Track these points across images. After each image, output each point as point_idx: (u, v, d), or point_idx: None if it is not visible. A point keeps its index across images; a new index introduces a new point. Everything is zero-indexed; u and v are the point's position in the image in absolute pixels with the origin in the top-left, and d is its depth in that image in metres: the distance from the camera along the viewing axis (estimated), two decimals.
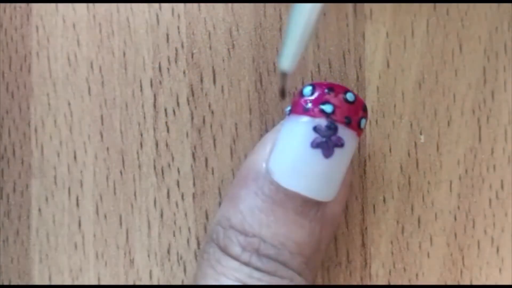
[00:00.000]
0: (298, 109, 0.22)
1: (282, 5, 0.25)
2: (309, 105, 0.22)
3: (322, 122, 0.22)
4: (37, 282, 0.26)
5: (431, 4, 0.25)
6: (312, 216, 0.22)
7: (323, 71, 0.25)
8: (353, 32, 0.25)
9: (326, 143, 0.22)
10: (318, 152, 0.22)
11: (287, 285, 0.22)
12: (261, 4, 0.25)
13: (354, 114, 0.22)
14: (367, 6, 0.25)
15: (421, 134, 0.25)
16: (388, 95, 0.25)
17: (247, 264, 0.22)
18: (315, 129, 0.22)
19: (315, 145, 0.22)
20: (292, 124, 0.22)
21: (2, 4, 0.26)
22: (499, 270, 0.25)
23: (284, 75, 0.19)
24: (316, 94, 0.22)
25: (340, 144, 0.22)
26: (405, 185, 0.25)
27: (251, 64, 0.26)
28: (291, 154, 0.22)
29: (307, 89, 0.22)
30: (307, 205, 0.22)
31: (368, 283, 0.25)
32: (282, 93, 0.20)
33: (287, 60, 0.19)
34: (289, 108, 0.23)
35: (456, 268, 0.25)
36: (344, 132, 0.22)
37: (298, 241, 0.22)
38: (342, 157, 0.22)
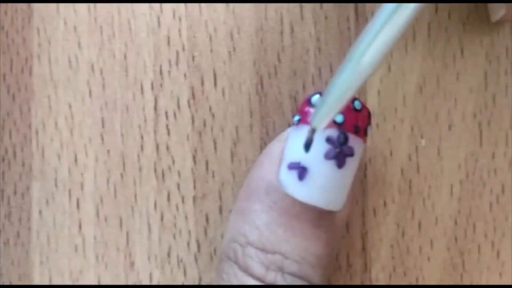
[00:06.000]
0: (308, 118, 0.22)
1: (283, 8, 0.25)
2: None
3: (334, 132, 0.21)
4: (37, 284, 0.26)
5: (433, 8, 0.25)
6: (326, 226, 0.22)
7: (324, 74, 0.25)
8: (355, 35, 0.25)
9: (339, 154, 0.21)
10: (331, 163, 0.21)
11: (300, 285, 0.21)
12: (262, 7, 0.25)
13: (362, 122, 0.22)
14: (368, 9, 0.25)
15: (422, 138, 0.25)
16: (389, 99, 0.25)
17: (272, 284, 0.21)
18: (328, 140, 0.21)
19: (330, 156, 0.21)
20: (302, 135, 0.21)
21: (4, 7, 0.26)
22: (500, 275, 0.25)
23: (313, 130, 0.20)
24: None
25: (350, 153, 0.21)
26: (405, 189, 0.25)
27: (252, 67, 0.25)
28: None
29: (316, 98, 0.22)
30: (322, 216, 0.22)
31: None
32: (308, 146, 0.20)
33: (321, 121, 0.19)
34: (297, 118, 0.22)
35: (456, 272, 0.25)
36: (354, 141, 0.22)
37: (317, 254, 0.21)
38: (352, 165, 0.22)
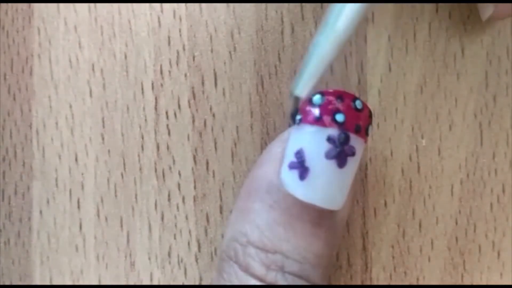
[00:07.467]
0: (309, 118, 0.21)
1: (284, 8, 0.25)
2: (320, 114, 0.21)
3: (335, 132, 0.21)
4: (38, 284, 0.26)
5: (433, 8, 0.25)
6: (327, 226, 0.22)
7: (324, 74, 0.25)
8: (355, 35, 0.25)
9: (340, 153, 0.21)
10: (332, 163, 0.21)
11: (300, 286, 0.21)
12: (263, 7, 0.25)
13: (363, 121, 0.22)
14: None
15: (422, 138, 0.25)
16: (389, 99, 0.25)
17: (273, 284, 0.21)
18: (329, 139, 0.21)
19: (331, 156, 0.21)
20: (304, 134, 0.21)
21: (4, 7, 0.26)
22: (500, 275, 0.25)
23: (297, 99, 0.20)
24: (326, 103, 0.21)
25: (351, 153, 0.21)
26: (406, 189, 0.25)
27: (252, 67, 0.25)
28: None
29: (317, 97, 0.22)
30: (322, 216, 0.22)
31: None
32: (294, 116, 0.21)
33: (303, 88, 0.20)
34: (299, 117, 0.22)
35: (457, 272, 0.25)
36: (355, 141, 0.21)
37: (317, 253, 0.21)
38: (353, 165, 0.22)
